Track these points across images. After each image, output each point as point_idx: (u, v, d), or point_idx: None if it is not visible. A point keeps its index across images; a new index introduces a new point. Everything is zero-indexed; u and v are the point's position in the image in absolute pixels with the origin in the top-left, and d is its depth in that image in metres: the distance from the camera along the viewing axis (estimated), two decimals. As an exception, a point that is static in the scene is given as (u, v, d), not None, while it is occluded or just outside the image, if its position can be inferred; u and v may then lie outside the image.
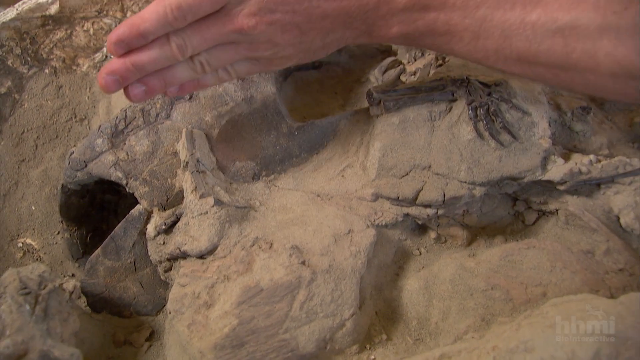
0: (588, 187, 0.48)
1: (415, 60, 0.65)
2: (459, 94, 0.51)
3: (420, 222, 0.51)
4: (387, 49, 0.65)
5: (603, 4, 0.35)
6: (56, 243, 0.57)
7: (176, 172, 0.51)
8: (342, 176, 0.53)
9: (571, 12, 0.36)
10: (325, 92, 0.64)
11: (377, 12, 0.43)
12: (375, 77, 0.62)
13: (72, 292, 0.44)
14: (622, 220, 0.46)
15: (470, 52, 0.42)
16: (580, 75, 0.38)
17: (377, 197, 0.50)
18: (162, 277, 0.49)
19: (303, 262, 0.44)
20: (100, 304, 0.50)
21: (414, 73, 0.60)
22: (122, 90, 0.61)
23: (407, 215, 0.50)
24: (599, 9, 0.35)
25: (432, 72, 0.59)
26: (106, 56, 0.65)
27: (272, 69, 0.51)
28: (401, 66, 0.61)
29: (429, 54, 0.63)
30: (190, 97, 0.53)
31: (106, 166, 0.50)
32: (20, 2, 0.62)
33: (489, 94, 0.50)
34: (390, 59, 0.62)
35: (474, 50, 0.42)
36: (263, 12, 0.40)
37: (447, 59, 0.61)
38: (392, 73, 0.60)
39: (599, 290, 0.43)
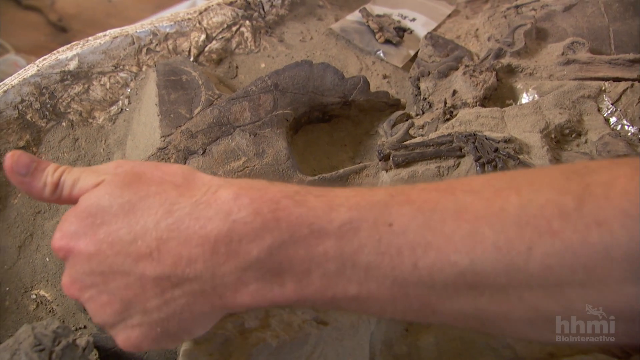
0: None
1: (423, 113, 0.67)
2: (467, 149, 0.52)
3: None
4: (395, 102, 0.67)
5: (502, 242, 0.29)
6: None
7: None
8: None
9: (470, 253, 0.30)
10: (335, 144, 0.65)
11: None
12: (384, 131, 0.63)
13: (86, 347, 0.44)
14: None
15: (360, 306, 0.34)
16: (493, 324, 0.32)
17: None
18: (174, 332, 0.50)
19: (315, 319, 0.45)
20: (112, 358, 0.50)
21: (422, 126, 0.61)
22: (136, 144, 0.63)
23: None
24: (500, 249, 0.29)
25: (440, 126, 0.60)
26: (121, 109, 0.67)
27: None
28: (410, 120, 0.62)
29: (437, 108, 0.65)
30: (204, 152, 0.55)
31: (121, 220, 0.51)
32: (40, 59, 0.65)
33: (496, 150, 0.51)
34: (398, 113, 0.64)
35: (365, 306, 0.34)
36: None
37: (454, 113, 0.63)
38: (401, 127, 0.61)
39: (609, 349, 0.43)
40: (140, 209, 0.35)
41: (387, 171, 0.54)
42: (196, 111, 0.59)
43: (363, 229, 0.32)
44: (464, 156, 0.52)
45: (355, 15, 0.84)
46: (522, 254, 0.29)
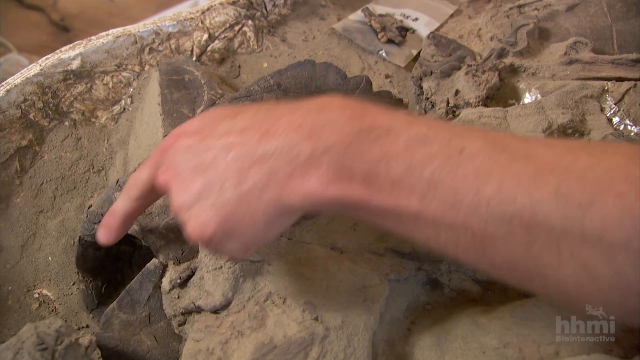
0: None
1: (425, 112, 0.67)
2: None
3: (432, 277, 0.52)
4: (397, 102, 0.67)
5: (565, 190, 0.30)
6: (71, 294, 0.58)
7: (191, 225, 0.52)
8: (355, 230, 0.54)
9: (531, 193, 0.30)
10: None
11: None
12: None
13: (88, 346, 0.44)
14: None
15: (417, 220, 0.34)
16: (539, 273, 0.32)
17: (389, 251, 0.51)
18: (176, 331, 0.50)
19: (316, 318, 0.45)
20: (114, 357, 0.50)
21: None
22: (138, 143, 0.63)
23: (419, 269, 0.51)
24: (561, 197, 0.30)
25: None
26: (124, 108, 0.67)
27: None
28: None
29: (439, 107, 0.65)
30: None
31: (123, 219, 0.51)
32: (43, 58, 0.65)
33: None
34: (401, 113, 0.64)
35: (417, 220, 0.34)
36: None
37: (457, 112, 0.63)
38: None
39: (612, 349, 0.42)
40: (241, 112, 0.40)
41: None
42: (199, 110, 0.59)
43: (435, 145, 0.33)
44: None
45: (357, 15, 0.84)
46: (582, 207, 0.29)
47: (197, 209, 0.38)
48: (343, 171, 0.34)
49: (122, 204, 0.46)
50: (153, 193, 0.45)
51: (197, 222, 0.38)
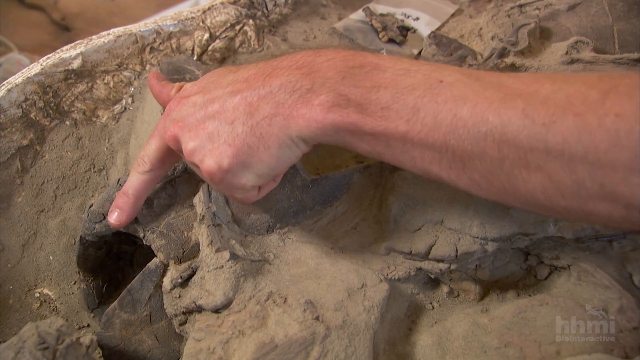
0: (600, 243, 0.48)
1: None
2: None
3: (432, 276, 0.52)
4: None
5: (530, 111, 0.34)
6: (72, 293, 0.58)
7: (192, 225, 0.52)
8: (355, 229, 0.54)
9: (501, 114, 0.34)
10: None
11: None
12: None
13: (89, 346, 0.44)
14: (635, 278, 0.46)
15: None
16: (512, 186, 0.36)
17: (390, 250, 0.51)
18: (177, 330, 0.50)
19: (317, 318, 0.45)
20: (115, 356, 0.50)
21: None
22: (139, 143, 0.63)
23: (419, 269, 0.50)
24: (527, 117, 0.34)
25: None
26: (125, 108, 0.67)
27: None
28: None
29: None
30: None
31: (124, 219, 0.51)
32: (44, 57, 0.65)
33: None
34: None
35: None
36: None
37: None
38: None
39: (613, 349, 0.42)
40: (241, 68, 0.45)
41: (391, 171, 0.54)
42: (200, 110, 0.59)
43: (417, 77, 0.38)
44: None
45: (358, 14, 0.84)
46: (545, 125, 0.33)
47: (209, 148, 0.42)
48: (340, 99, 0.39)
49: (134, 180, 0.49)
50: (166, 161, 0.48)
51: (212, 158, 0.42)
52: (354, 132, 0.39)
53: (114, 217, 0.49)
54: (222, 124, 0.41)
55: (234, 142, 0.41)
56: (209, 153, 0.42)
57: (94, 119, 0.66)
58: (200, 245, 0.49)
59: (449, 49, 0.71)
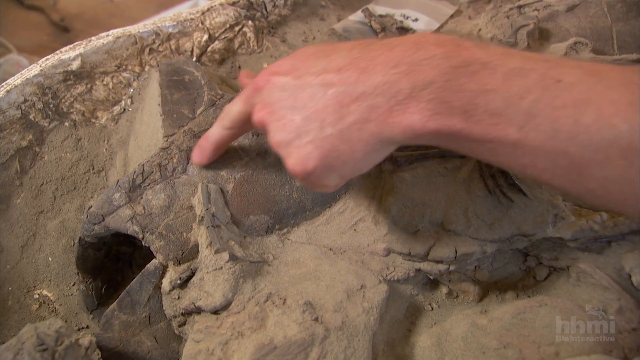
0: (599, 244, 0.48)
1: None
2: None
3: (432, 277, 0.52)
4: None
5: None
6: (71, 294, 0.58)
7: (191, 226, 0.52)
8: (355, 230, 0.54)
9: (630, 120, 0.31)
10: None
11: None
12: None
13: (88, 347, 0.44)
14: (633, 279, 0.46)
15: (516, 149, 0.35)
16: (633, 195, 0.32)
17: (389, 252, 0.51)
18: (176, 332, 0.50)
19: (316, 319, 0.45)
20: (114, 358, 0.50)
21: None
22: (138, 144, 0.63)
23: (418, 270, 0.51)
24: None
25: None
26: (124, 109, 0.67)
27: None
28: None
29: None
30: (206, 152, 0.55)
31: (123, 220, 0.51)
32: (43, 59, 0.65)
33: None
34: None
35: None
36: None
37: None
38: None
39: (612, 350, 0.42)
40: (335, 51, 0.42)
41: (389, 172, 0.54)
42: (199, 111, 0.59)
43: (531, 77, 0.34)
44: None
45: (357, 16, 0.84)
46: None
47: (297, 144, 0.40)
48: (443, 105, 0.35)
49: (216, 130, 0.50)
50: (246, 125, 0.48)
51: (299, 157, 0.40)
52: (456, 139, 0.36)
53: (196, 155, 0.53)
54: (310, 121, 0.39)
55: (321, 144, 0.39)
56: (295, 151, 0.40)
57: (93, 120, 0.66)
58: (200, 247, 0.49)
59: (448, 50, 0.71)
